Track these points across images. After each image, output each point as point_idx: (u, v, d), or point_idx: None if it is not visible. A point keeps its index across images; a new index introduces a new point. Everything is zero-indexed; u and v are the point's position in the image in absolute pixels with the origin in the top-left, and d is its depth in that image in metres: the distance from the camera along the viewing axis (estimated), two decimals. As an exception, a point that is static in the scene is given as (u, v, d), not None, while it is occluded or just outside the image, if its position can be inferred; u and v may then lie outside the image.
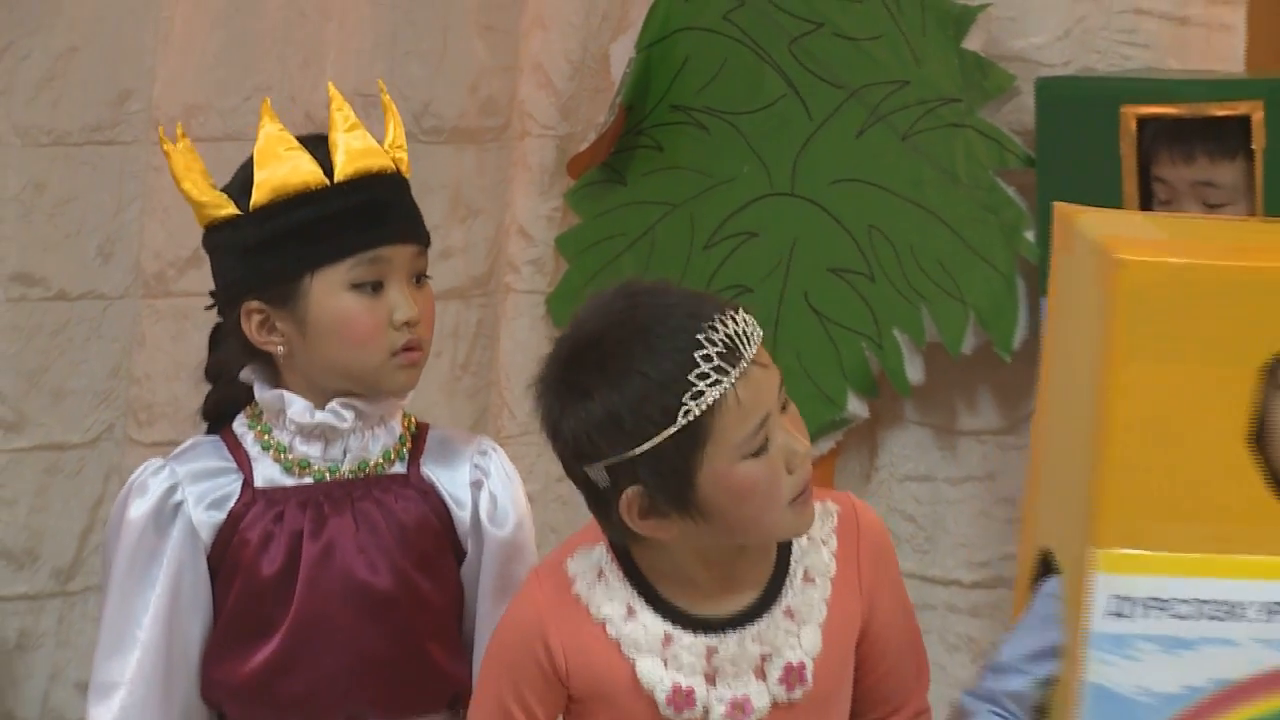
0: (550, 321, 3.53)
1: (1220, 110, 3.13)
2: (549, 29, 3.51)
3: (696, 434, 2.30)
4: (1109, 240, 2.42)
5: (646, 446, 2.30)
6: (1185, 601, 2.42)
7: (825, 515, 2.47)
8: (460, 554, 2.55)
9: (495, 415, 3.50)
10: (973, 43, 3.30)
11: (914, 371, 3.34)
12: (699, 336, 2.30)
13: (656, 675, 2.40)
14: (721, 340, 2.32)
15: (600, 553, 2.40)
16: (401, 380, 2.53)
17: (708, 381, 2.31)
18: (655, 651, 2.40)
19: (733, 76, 3.40)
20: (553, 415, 2.37)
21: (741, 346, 2.32)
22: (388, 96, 2.59)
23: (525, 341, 3.55)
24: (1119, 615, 2.41)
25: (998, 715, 2.49)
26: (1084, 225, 2.54)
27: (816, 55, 3.38)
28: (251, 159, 2.55)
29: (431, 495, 2.56)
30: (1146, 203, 3.18)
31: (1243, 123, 3.09)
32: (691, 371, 2.30)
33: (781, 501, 2.35)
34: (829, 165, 3.34)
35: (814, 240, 3.34)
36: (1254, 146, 3.12)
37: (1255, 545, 2.39)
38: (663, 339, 2.33)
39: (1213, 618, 2.42)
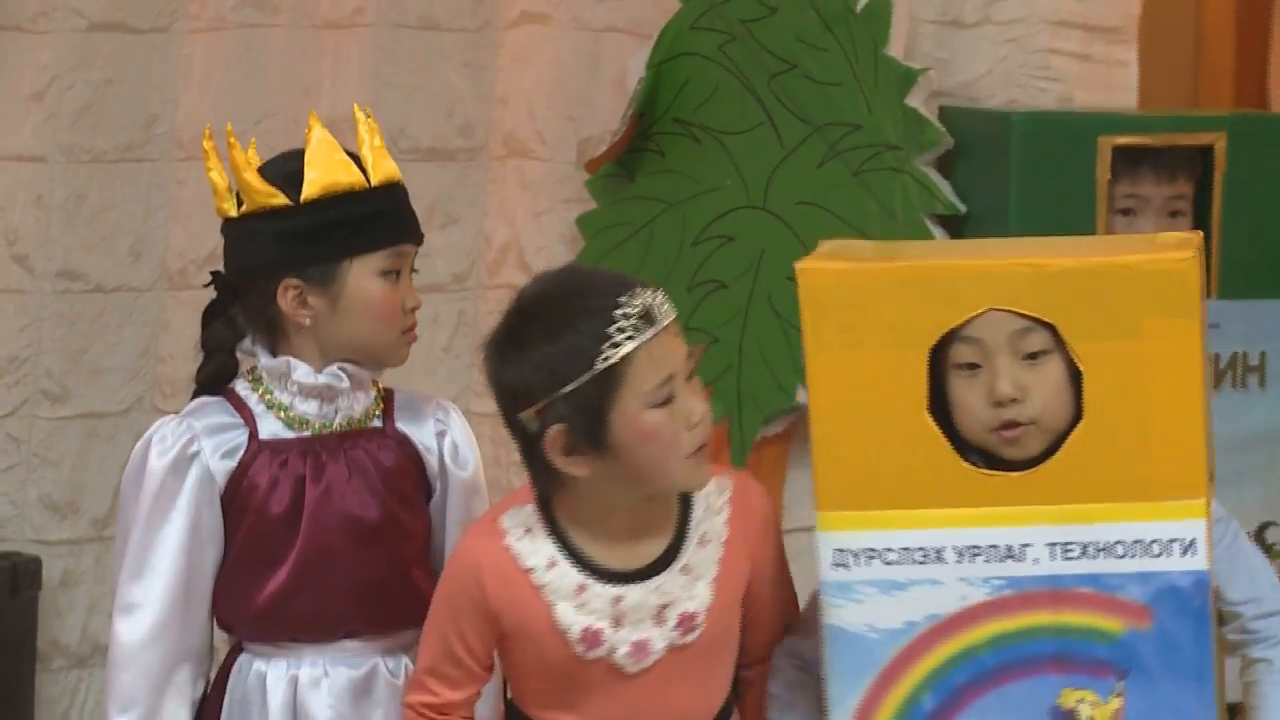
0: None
1: (1188, 140, 3.29)
2: (530, 66, 3.67)
3: (612, 380, 2.47)
4: (802, 269, 2.56)
5: (570, 388, 2.46)
6: (893, 550, 2.57)
7: (721, 489, 2.63)
8: (429, 492, 2.74)
9: (476, 395, 3.59)
10: (914, 99, 3.44)
11: None
12: (620, 299, 2.48)
13: (570, 618, 2.56)
14: (639, 307, 2.50)
15: (529, 511, 2.56)
16: (403, 355, 2.75)
17: (624, 335, 2.48)
18: (570, 598, 2.56)
19: (722, 100, 3.55)
20: (495, 367, 2.55)
21: (655, 315, 2.50)
22: (374, 121, 2.79)
23: None
24: (842, 565, 2.55)
25: (797, 668, 2.67)
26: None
27: (790, 92, 3.51)
28: (274, 163, 2.74)
29: (406, 444, 2.74)
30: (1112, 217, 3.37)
31: (1205, 151, 3.27)
32: (611, 326, 2.48)
33: (680, 452, 2.51)
34: (794, 188, 3.48)
35: (778, 250, 3.46)
36: (1217, 170, 3.28)
37: (946, 499, 2.54)
38: (592, 301, 2.51)
39: (918, 562, 2.56)
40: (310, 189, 2.66)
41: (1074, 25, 3.55)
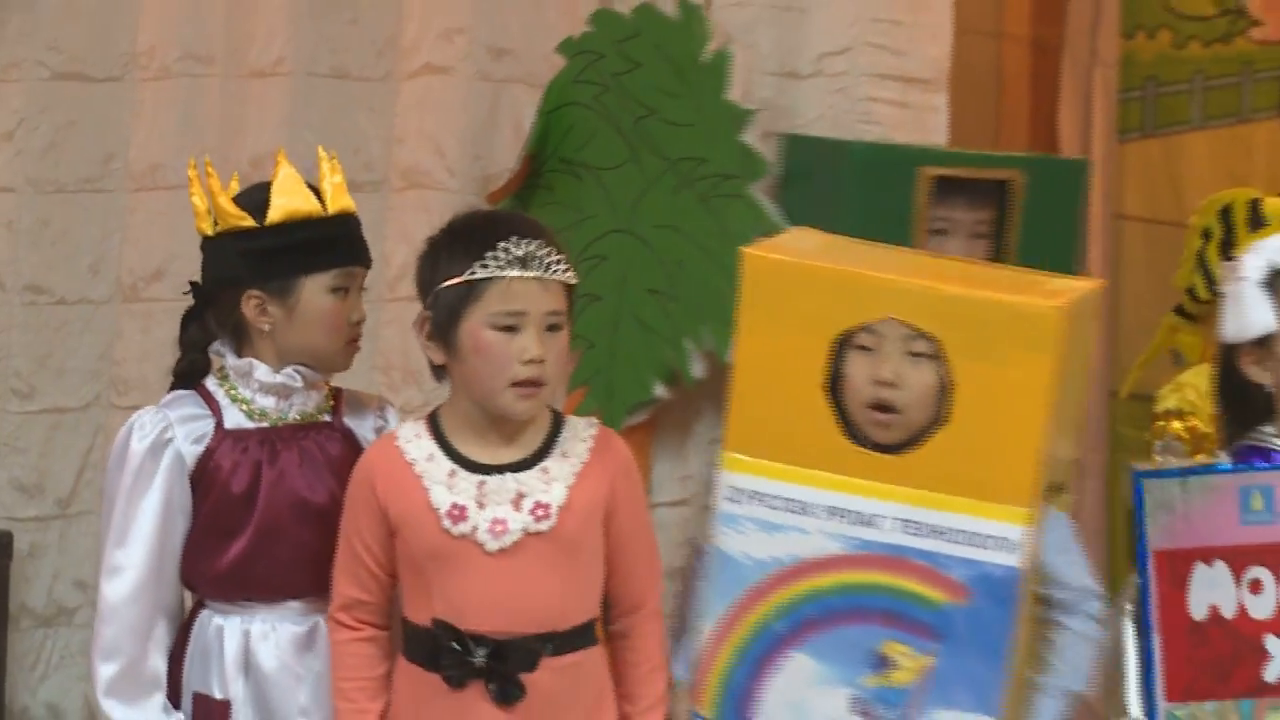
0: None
1: (994, 174, 3.48)
2: (429, 111, 3.80)
3: (472, 293, 2.75)
4: (747, 255, 2.75)
5: (444, 285, 2.74)
6: (776, 497, 2.77)
7: (590, 425, 2.89)
8: None
9: (384, 389, 3.76)
10: (748, 136, 3.60)
11: (697, 369, 3.63)
12: (509, 240, 2.77)
13: (442, 497, 2.78)
14: (519, 251, 2.78)
15: (420, 424, 2.86)
16: (348, 361, 2.93)
17: (495, 264, 2.76)
18: (443, 482, 2.80)
19: (598, 142, 3.68)
20: (421, 271, 2.83)
21: (529, 262, 2.77)
22: (336, 161, 2.96)
23: (410, 336, 3.63)
24: (733, 501, 2.76)
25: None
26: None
27: (650, 133, 3.63)
28: (247, 192, 2.91)
29: (350, 437, 2.93)
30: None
31: (1006, 184, 3.47)
32: (488, 254, 2.76)
33: (506, 377, 2.75)
34: (654, 214, 3.62)
35: (641, 267, 3.64)
36: (1015, 201, 3.47)
37: (825, 464, 2.76)
38: (489, 233, 2.79)
39: (793, 511, 2.76)
40: (274, 214, 2.83)
41: (892, 77, 3.73)
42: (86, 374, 3.76)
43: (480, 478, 2.80)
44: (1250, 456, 2.85)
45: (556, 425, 2.85)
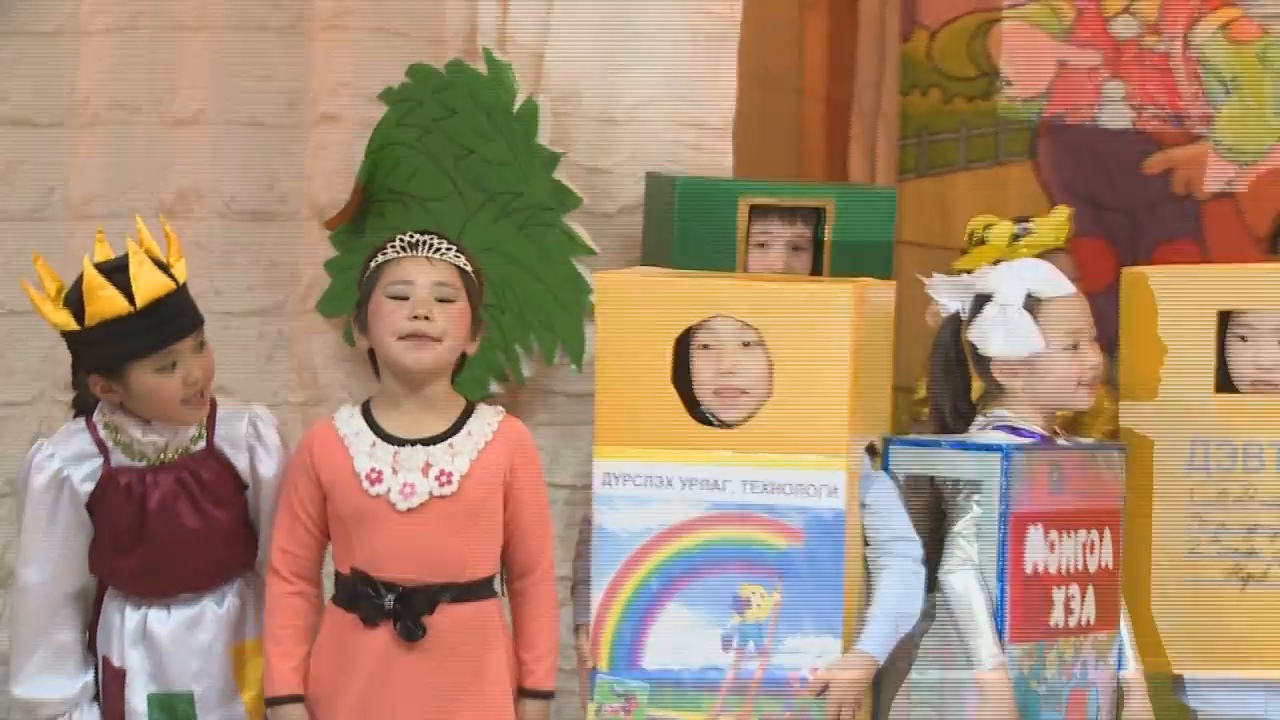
0: (322, 318, 3.84)
1: (807, 202, 3.59)
2: (326, 154, 3.85)
3: (377, 275, 3.03)
4: (598, 277, 3.06)
5: (363, 276, 3.04)
6: (642, 476, 2.97)
7: (497, 412, 3.09)
8: (244, 486, 3.11)
9: (291, 391, 3.84)
10: (559, 174, 3.69)
11: (527, 370, 3.74)
12: (404, 236, 3.05)
13: (364, 463, 3.00)
14: (406, 241, 3.04)
15: (355, 408, 3.07)
16: (195, 415, 3.03)
17: (393, 249, 3.04)
18: (366, 451, 3.01)
19: (423, 176, 3.75)
20: (358, 283, 3.06)
21: (420, 247, 3.01)
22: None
23: (314, 342, 3.86)
24: (608, 484, 2.97)
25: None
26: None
27: (470, 169, 3.73)
28: (74, 290, 2.95)
29: (223, 458, 3.08)
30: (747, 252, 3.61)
31: (818, 210, 3.57)
32: (388, 245, 3.05)
33: (394, 331, 2.97)
34: (477, 239, 3.65)
35: None
36: (829, 223, 3.56)
37: (679, 444, 2.98)
38: (394, 236, 3.07)
39: (657, 486, 2.96)
40: (87, 320, 2.93)
41: (691, 125, 3.81)
42: (33, 374, 3.87)
43: (396, 448, 2.99)
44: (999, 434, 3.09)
45: (468, 411, 3.05)
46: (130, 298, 2.91)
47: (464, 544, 2.99)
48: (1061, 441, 3.12)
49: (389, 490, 2.98)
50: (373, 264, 3.03)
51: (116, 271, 2.94)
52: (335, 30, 3.85)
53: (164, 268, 2.96)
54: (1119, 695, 3.18)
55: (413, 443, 3.00)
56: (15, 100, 3.85)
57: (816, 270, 3.59)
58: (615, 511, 2.94)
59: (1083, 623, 3.05)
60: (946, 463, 3.08)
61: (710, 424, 2.98)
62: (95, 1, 3.89)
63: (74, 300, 2.95)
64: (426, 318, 2.96)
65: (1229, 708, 3.23)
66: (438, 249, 3.02)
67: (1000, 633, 2.97)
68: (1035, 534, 2.99)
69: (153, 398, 2.97)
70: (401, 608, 2.95)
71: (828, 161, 4.67)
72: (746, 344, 2.95)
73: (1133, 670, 3.15)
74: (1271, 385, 3.22)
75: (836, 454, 2.93)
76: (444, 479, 2.97)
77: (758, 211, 3.58)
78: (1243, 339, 3.21)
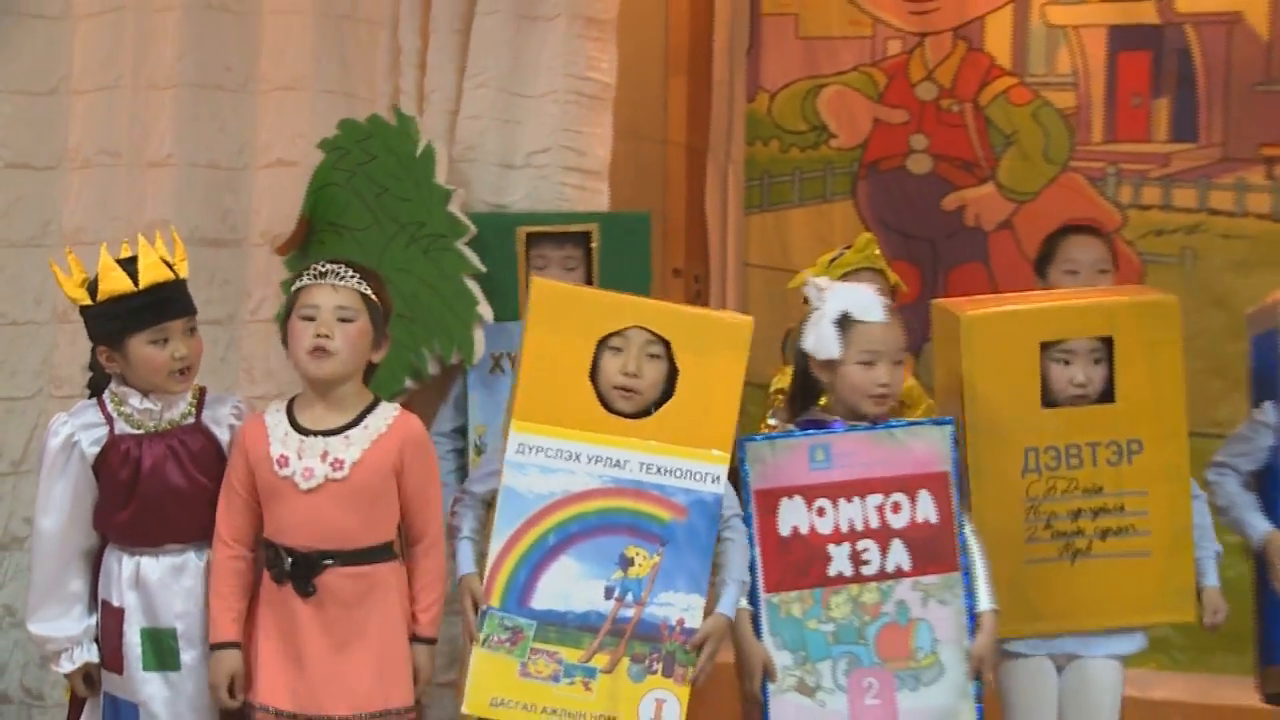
0: (266, 327, 3.84)
1: (576, 228, 3.69)
2: (283, 191, 3.86)
3: (295, 297, 3.04)
4: (533, 280, 2.98)
5: (286, 298, 3.05)
6: (551, 450, 2.94)
7: (394, 409, 3.06)
8: (224, 459, 3.11)
9: (243, 384, 3.92)
10: (452, 206, 3.70)
11: (432, 368, 3.72)
12: (316, 266, 3.02)
13: (278, 448, 3.02)
14: (319, 271, 3.02)
15: (282, 403, 3.08)
16: (179, 386, 3.07)
17: (306, 277, 3.04)
18: (280, 439, 3.03)
19: (351, 210, 3.77)
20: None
21: (327, 275, 2.97)
22: (178, 234, 3.09)
23: (260, 346, 3.94)
24: (520, 453, 2.94)
25: (468, 506, 3.08)
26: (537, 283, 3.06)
27: (386, 204, 3.74)
28: (93, 277, 3.03)
29: (209, 433, 3.11)
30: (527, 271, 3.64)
31: (586, 235, 3.69)
32: (305, 274, 3.04)
33: (302, 346, 2.98)
34: (394, 262, 3.69)
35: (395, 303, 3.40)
36: (593, 245, 3.66)
37: (588, 427, 2.97)
38: (314, 266, 3.02)
39: (565, 459, 2.94)
40: (99, 295, 3.03)
41: (574, 170, 3.80)
42: (33, 374, 3.97)
43: (302, 438, 3.01)
44: (809, 425, 3.17)
45: (371, 408, 3.06)
46: (135, 280, 2.99)
47: (353, 519, 2.99)
48: (861, 425, 3.12)
49: (294, 473, 2.98)
50: (292, 290, 3.05)
51: (129, 262, 3.04)
52: (287, 91, 3.91)
53: (169, 266, 3.05)
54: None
55: (316, 433, 3.00)
56: (17, 148, 3.95)
57: (588, 283, 3.62)
58: (524, 476, 2.91)
59: (888, 570, 3.06)
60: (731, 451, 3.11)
61: (613, 413, 2.99)
62: (84, 64, 3.99)
63: (91, 284, 3.04)
64: (328, 335, 2.96)
65: (1056, 649, 3.30)
66: (341, 276, 2.99)
67: (754, 585, 3.02)
68: (792, 504, 3.01)
69: (146, 367, 2.99)
70: (296, 569, 2.97)
71: (688, 199, 4.92)
72: (651, 355, 2.96)
73: (984, 607, 3.11)
74: (1085, 397, 3.28)
75: (722, 450, 2.97)
76: (337, 465, 2.97)
77: (534, 238, 3.65)
78: (1065, 363, 3.26)
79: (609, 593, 2.92)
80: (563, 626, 2.91)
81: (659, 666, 2.92)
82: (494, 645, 2.88)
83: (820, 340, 3.12)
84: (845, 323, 3.13)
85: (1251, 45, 4.66)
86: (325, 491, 2.98)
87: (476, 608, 2.93)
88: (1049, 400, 3.30)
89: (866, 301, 3.15)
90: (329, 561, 2.96)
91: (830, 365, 3.15)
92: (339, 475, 2.97)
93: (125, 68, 3.98)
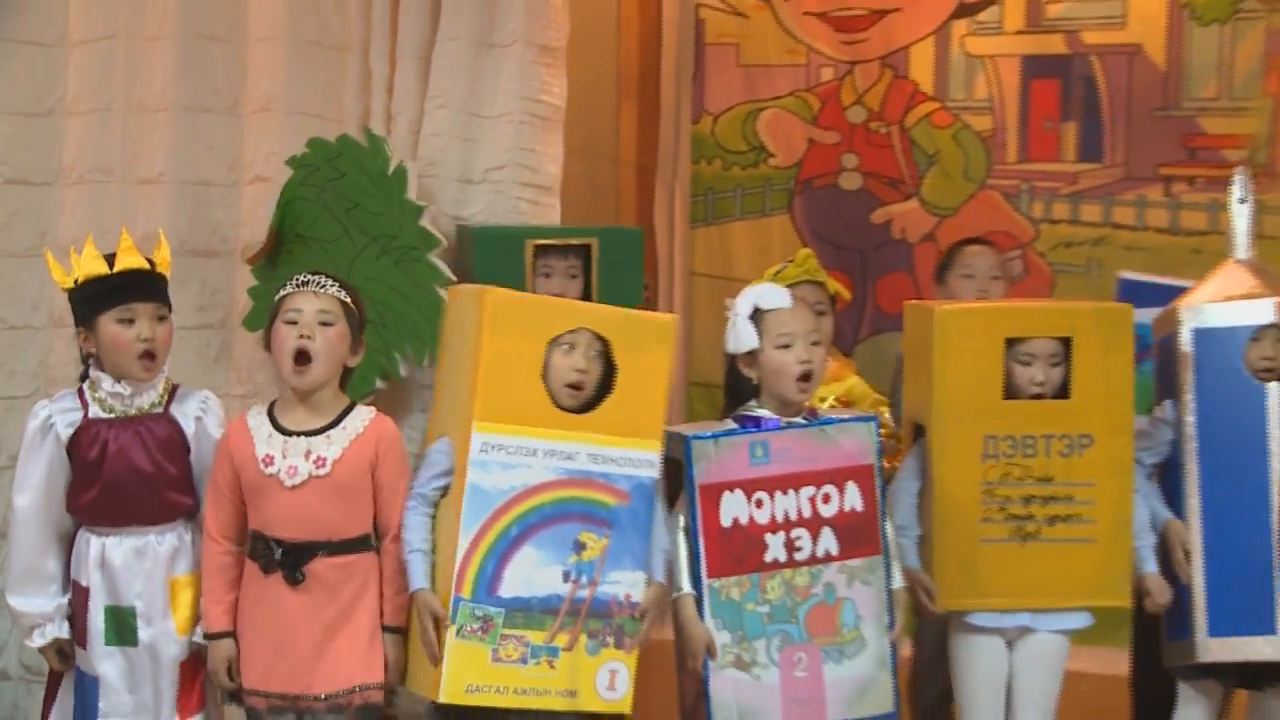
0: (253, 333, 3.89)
1: (577, 241, 3.81)
2: (262, 205, 3.94)
3: (280, 305, 3.09)
4: (484, 290, 3.02)
5: (272, 307, 3.09)
6: (511, 447, 2.99)
7: (371, 411, 3.12)
8: (189, 449, 3.20)
9: (230, 384, 4.02)
10: (423, 221, 3.81)
11: (404, 370, 3.84)
12: (299, 276, 3.08)
13: (262, 448, 3.07)
14: (300, 280, 3.08)
15: (264, 406, 3.14)
16: (144, 372, 3.09)
17: (290, 286, 3.09)
18: (264, 440, 3.08)
19: (320, 223, 3.86)
20: None
21: (309, 284, 3.02)
22: (165, 239, 3.18)
23: (248, 350, 3.99)
24: (484, 452, 2.97)
25: (420, 514, 3.09)
26: (469, 289, 3.11)
27: (356, 218, 3.84)
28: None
29: (175, 423, 3.18)
30: (534, 281, 3.78)
31: (587, 247, 3.82)
32: (288, 283, 3.10)
33: (286, 353, 3.03)
34: (363, 272, 3.77)
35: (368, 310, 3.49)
36: (594, 257, 3.72)
37: (541, 423, 3.02)
38: (297, 276, 3.07)
39: (523, 455, 2.99)
40: (79, 275, 3.12)
41: (529, 186, 3.89)
42: (30, 374, 4.08)
43: (285, 438, 3.07)
44: (745, 422, 3.18)
45: (348, 410, 3.12)
46: (111, 265, 3.08)
47: (336, 512, 3.05)
48: (796, 421, 3.16)
49: (279, 471, 3.03)
50: (275, 298, 3.10)
51: (111, 254, 3.13)
52: (263, 112, 3.98)
53: (149, 261, 3.13)
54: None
55: (299, 434, 3.06)
56: (15, 165, 4.05)
57: (587, 290, 3.72)
58: (488, 474, 2.94)
59: (818, 555, 3.13)
60: (678, 448, 3.18)
61: (562, 409, 3.05)
62: (78, 88, 4.07)
63: (75, 273, 3.14)
64: (309, 337, 3.03)
65: (1008, 624, 3.36)
66: (322, 285, 3.05)
67: (698, 571, 3.08)
68: (733, 497, 3.07)
69: (113, 346, 3.03)
70: (286, 559, 3.03)
71: (637, 213, 5.09)
72: (597, 353, 3.02)
73: (896, 584, 3.22)
74: (1042, 394, 3.35)
75: (655, 438, 3.06)
76: (320, 463, 3.02)
77: (541, 249, 3.75)
78: (1026, 364, 3.33)
79: (566, 576, 3.00)
80: (528, 611, 2.98)
81: (611, 639, 3.02)
82: (467, 634, 2.94)
83: (738, 336, 3.19)
84: (757, 315, 3.19)
85: (1150, 74, 4.84)
86: (310, 487, 3.04)
87: (437, 622, 2.98)
88: (1010, 393, 3.38)
89: (771, 293, 3.22)
90: (320, 552, 3.03)
91: (753, 358, 3.20)
92: (322, 472, 3.03)
93: (117, 91, 4.07)
